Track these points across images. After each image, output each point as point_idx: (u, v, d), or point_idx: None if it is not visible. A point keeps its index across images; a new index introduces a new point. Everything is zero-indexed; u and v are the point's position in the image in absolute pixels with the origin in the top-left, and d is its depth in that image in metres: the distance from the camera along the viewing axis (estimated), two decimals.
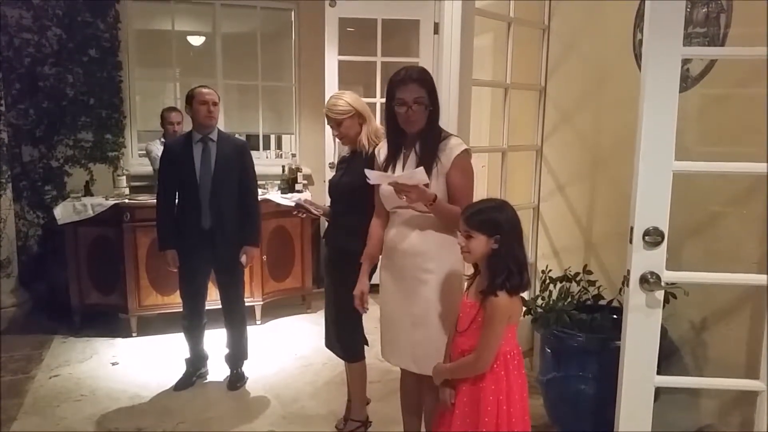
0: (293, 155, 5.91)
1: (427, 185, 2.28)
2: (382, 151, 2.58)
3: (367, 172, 2.37)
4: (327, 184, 4.59)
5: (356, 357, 3.00)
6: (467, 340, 2.09)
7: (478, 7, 3.21)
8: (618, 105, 3.08)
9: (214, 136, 3.55)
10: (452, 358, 2.17)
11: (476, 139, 4.59)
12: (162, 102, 5.72)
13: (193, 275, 3.61)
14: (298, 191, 5.20)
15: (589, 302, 3.02)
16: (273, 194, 4.95)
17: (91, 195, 4.88)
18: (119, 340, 4.46)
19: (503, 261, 2.01)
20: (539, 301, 3.00)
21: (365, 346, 3.02)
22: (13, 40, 4.95)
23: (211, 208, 3.50)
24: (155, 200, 3.65)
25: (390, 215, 2.53)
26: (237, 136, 4.40)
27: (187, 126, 4.09)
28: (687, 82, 2.61)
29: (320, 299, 3.37)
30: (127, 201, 4.49)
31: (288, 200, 4.93)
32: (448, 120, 2.96)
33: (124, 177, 4.91)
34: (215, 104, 3.50)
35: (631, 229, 2.01)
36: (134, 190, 4.94)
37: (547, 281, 3.04)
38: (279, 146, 7.22)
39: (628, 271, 2.03)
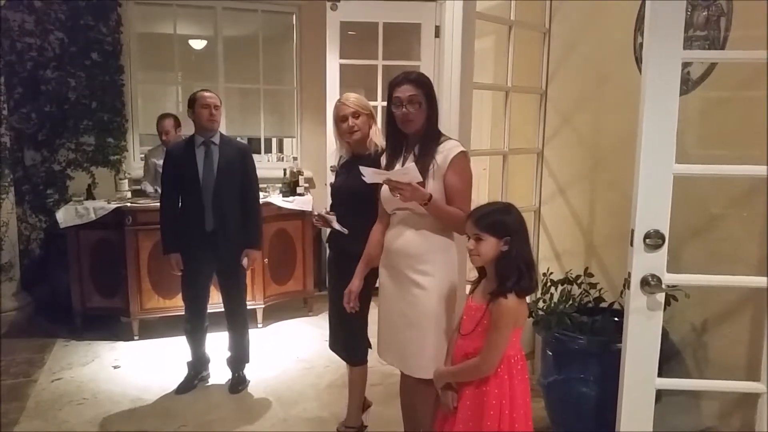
0: (295, 158, 5.92)
1: (422, 184, 2.30)
2: (383, 157, 2.60)
3: (362, 169, 2.38)
4: (328, 187, 4.62)
5: (359, 360, 3.00)
6: (472, 343, 2.09)
7: (479, 11, 3.22)
8: (619, 108, 3.08)
9: (216, 139, 3.56)
10: (455, 361, 2.17)
11: (477, 142, 4.60)
12: (164, 106, 5.73)
13: (195, 278, 3.61)
14: (300, 194, 5.20)
15: (590, 305, 3.02)
16: (274, 197, 4.96)
17: (93, 198, 4.88)
18: (121, 344, 4.47)
19: (513, 263, 2.02)
20: (540, 304, 3.00)
21: (368, 350, 3.02)
22: (15, 44, 4.96)
23: (213, 211, 3.51)
24: (158, 204, 3.66)
25: (390, 218, 2.54)
26: (238, 139, 4.41)
27: (189, 130, 4.10)
28: (687, 85, 2.61)
29: (322, 302, 3.38)
30: (129, 204, 4.50)
31: (290, 203, 4.94)
32: (449, 123, 2.97)
33: (126, 180, 4.91)
34: (217, 108, 3.52)
35: (632, 231, 2.02)
36: (136, 193, 4.95)
37: (549, 284, 3.04)
38: (280, 149, 7.24)
39: (629, 274, 2.04)
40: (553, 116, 3.61)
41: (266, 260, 4.73)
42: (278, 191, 5.16)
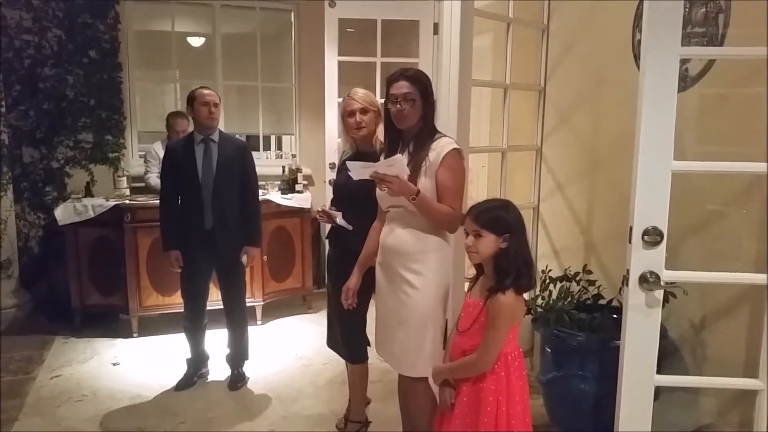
0: (293, 156, 5.92)
1: (414, 181, 2.30)
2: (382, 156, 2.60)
3: (349, 164, 2.38)
4: (327, 184, 4.62)
5: (359, 358, 3.00)
6: (469, 340, 2.10)
7: (478, 8, 3.22)
8: (617, 105, 3.09)
9: (215, 137, 3.56)
10: (452, 358, 2.18)
11: (476, 139, 4.60)
12: (162, 103, 5.73)
13: (194, 275, 3.62)
14: (299, 192, 5.20)
15: (588, 302, 3.02)
16: (273, 195, 4.96)
17: (92, 196, 4.88)
18: (120, 341, 4.47)
19: (512, 260, 2.02)
20: (539, 301, 3.01)
21: (368, 347, 3.02)
22: (13, 41, 4.96)
23: (213, 209, 3.52)
24: (157, 201, 3.66)
25: (385, 215, 2.55)
26: (237, 136, 4.41)
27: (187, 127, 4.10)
28: (686, 81, 2.61)
29: (321, 299, 3.38)
30: (127, 202, 4.50)
31: (288, 201, 4.94)
32: (447, 120, 2.97)
33: (125, 178, 4.92)
34: (216, 105, 3.51)
35: (631, 228, 2.02)
36: (135, 190, 4.95)
37: (547, 281, 3.05)
38: (279, 147, 7.23)
39: (628, 271, 2.04)
40: (552, 113, 3.61)
41: (265, 257, 4.73)
42: (277, 188, 5.16)
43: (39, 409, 3.43)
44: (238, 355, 3.78)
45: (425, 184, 2.35)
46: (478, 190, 4.89)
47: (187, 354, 3.77)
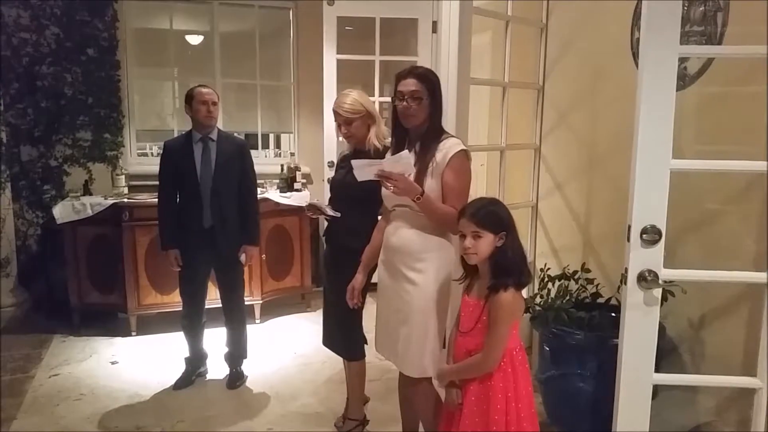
0: (292, 154, 5.91)
1: (420, 182, 2.29)
2: (388, 153, 2.59)
3: (353, 162, 2.36)
4: (326, 182, 4.62)
5: (356, 355, 3.01)
6: (473, 340, 2.10)
7: (476, 6, 3.21)
8: (615, 103, 3.08)
9: (214, 135, 3.55)
10: (457, 359, 2.17)
11: (474, 137, 4.59)
12: (161, 101, 5.73)
13: (193, 274, 3.61)
14: (297, 190, 5.20)
15: (587, 300, 3.03)
16: (272, 193, 4.96)
17: (90, 194, 4.88)
18: (118, 339, 4.47)
19: (511, 257, 2.02)
20: (538, 300, 3.01)
21: (365, 345, 3.03)
22: (11, 39, 4.94)
23: (211, 208, 3.51)
24: (155, 200, 3.65)
25: (390, 214, 2.54)
26: (236, 135, 4.40)
27: (186, 125, 4.09)
28: (684, 80, 2.61)
29: (319, 298, 3.37)
30: (125, 200, 4.50)
31: (287, 199, 4.94)
32: (446, 119, 2.94)
33: (123, 176, 4.91)
34: (215, 104, 3.51)
35: (629, 227, 2.02)
36: (133, 189, 4.94)
37: (546, 279, 3.05)
38: (278, 145, 7.22)
39: (626, 269, 2.04)
40: (550, 112, 3.61)
41: (264, 256, 4.73)
42: (275, 187, 5.16)
43: (37, 407, 3.43)
44: (236, 354, 3.78)
45: (431, 185, 2.33)
46: (476, 189, 4.88)
47: (186, 353, 3.77)
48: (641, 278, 2.01)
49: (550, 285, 3.04)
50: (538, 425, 2.13)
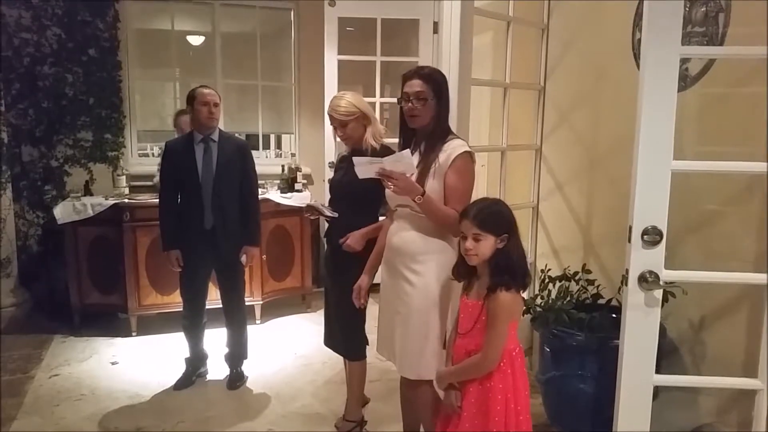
0: (293, 155, 5.91)
1: (422, 183, 2.29)
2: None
3: (355, 160, 2.35)
4: (326, 183, 4.61)
5: (357, 356, 3.00)
6: (472, 341, 2.09)
7: (478, 7, 3.22)
8: (617, 104, 3.08)
9: (215, 136, 3.55)
10: (456, 360, 2.17)
11: (475, 138, 4.59)
12: (162, 102, 5.73)
13: (193, 275, 3.61)
14: (298, 191, 5.20)
15: (588, 301, 3.02)
16: (272, 194, 4.96)
17: (91, 195, 4.89)
18: (119, 340, 4.46)
19: (511, 259, 2.02)
20: (538, 300, 3.00)
21: (366, 345, 3.02)
22: (12, 39, 4.95)
23: (213, 208, 3.51)
24: (156, 200, 3.65)
25: (393, 214, 2.53)
26: (237, 135, 4.40)
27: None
28: (686, 81, 2.61)
29: (320, 298, 3.37)
30: (126, 201, 4.49)
31: (288, 200, 4.94)
32: (448, 119, 2.97)
33: (124, 177, 4.91)
34: (216, 105, 3.50)
35: (630, 228, 2.02)
36: (134, 189, 4.95)
37: (547, 280, 3.05)
38: (278, 146, 7.22)
39: (627, 270, 2.04)
40: (552, 113, 3.61)
41: (264, 257, 4.73)
42: (276, 187, 5.16)
43: (38, 408, 3.43)
44: (237, 355, 3.78)
45: (433, 186, 2.32)
46: (477, 190, 4.88)
47: (186, 353, 3.76)
48: (642, 279, 2.01)
49: (550, 286, 3.03)
50: (531, 427, 2.13)
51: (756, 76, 2.28)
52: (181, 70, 5.84)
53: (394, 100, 2.53)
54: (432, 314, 2.38)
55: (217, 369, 3.84)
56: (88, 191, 4.94)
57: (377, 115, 4.91)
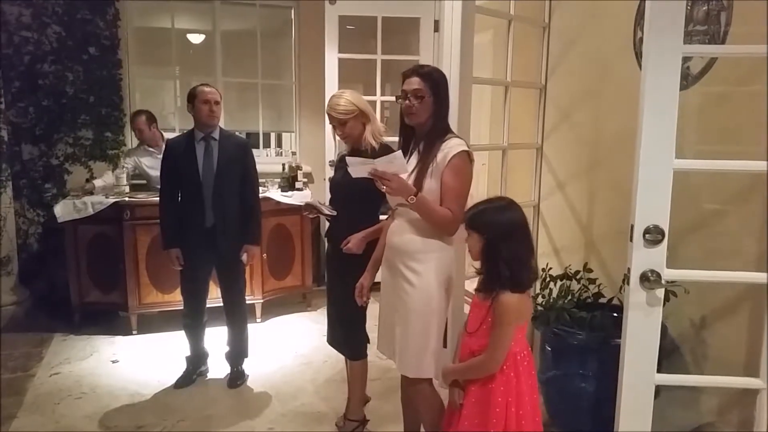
0: (293, 153, 5.91)
1: (419, 183, 2.29)
2: None
3: (348, 160, 2.37)
4: (327, 182, 4.61)
5: (358, 355, 3.00)
6: (478, 341, 2.09)
7: (479, 5, 3.21)
8: (618, 103, 3.08)
9: (216, 134, 3.55)
10: (461, 359, 2.17)
11: (476, 137, 4.60)
12: (162, 100, 5.73)
13: (194, 273, 3.61)
14: (299, 189, 5.20)
15: (589, 300, 3.02)
16: (273, 192, 4.95)
17: (91, 193, 4.87)
18: (119, 338, 4.46)
19: (492, 260, 2.02)
20: (539, 299, 3.00)
21: (367, 344, 3.02)
22: (12, 37, 4.94)
23: (213, 207, 3.51)
24: (156, 198, 3.65)
25: (394, 212, 2.53)
26: (237, 134, 4.40)
27: (187, 124, 4.08)
28: (687, 80, 2.61)
29: (320, 297, 3.37)
30: (127, 199, 4.49)
31: (288, 198, 4.93)
32: (448, 118, 2.96)
33: (124, 175, 4.90)
34: (217, 103, 3.49)
35: (632, 227, 2.01)
36: (134, 188, 4.94)
37: (548, 279, 3.04)
38: (279, 144, 7.22)
39: (629, 269, 2.03)
40: (553, 111, 3.61)
41: (265, 255, 4.72)
42: (277, 186, 5.15)
43: (38, 406, 3.42)
44: (237, 353, 3.78)
45: (430, 185, 2.32)
46: (478, 189, 4.89)
47: (187, 352, 3.76)
48: (644, 278, 2.00)
49: (552, 285, 3.03)
50: (541, 427, 2.12)
51: (757, 74, 2.28)
52: (181, 69, 5.83)
53: (395, 98, 2.52)
54: (431, 313, 2.38)
55: (217, 367, 3.84)
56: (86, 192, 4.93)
57: (377, 113, 4.91)
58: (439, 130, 2.40)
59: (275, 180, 5.23)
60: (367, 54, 5.21)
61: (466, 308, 2.52)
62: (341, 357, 3.14)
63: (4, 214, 4.75)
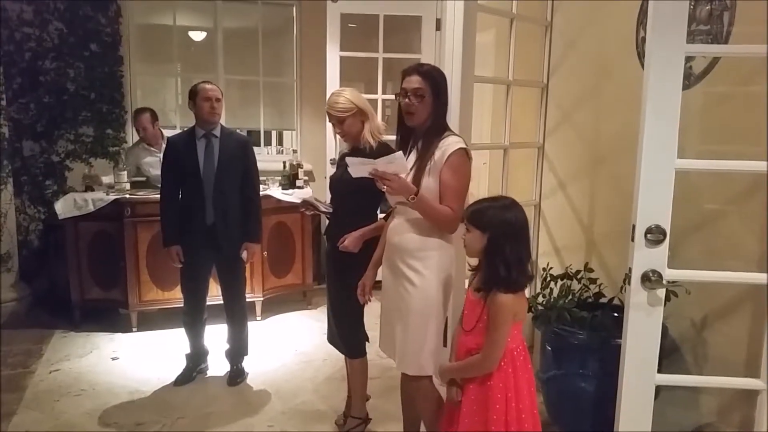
0: (294, 151, 5.91)
1: (418, 181, 2.29)
2: None
3: (348, 160, 2.37)
4: (328, 180, 4.61)
5: (357, 353, 3.00)
6: (474, 339, 2.09)
7: (481, 4, 3.21)
8: (620, 102, 3.07)
9: (217, 132, 3.54)
10: (458, 357, 2.17)
11: (478, 136, 4.59)
12: (164, 97, 5.73)
13: (194, 271, 3.61)
14: (299, 187, 5.19)
15: (590, 300, 3.01)
16: (274, 190, 4.94)
17: (92, 190, 4.87)
18: (119, 335, 4.46)
19: (494, 258, 2.01)
20: (540, 299, 3.00)
21: (366, 343, 3.02)
22: (14, 34, 4.94)
23: (214, 204, 3.50)
24: (157, 196, 3.65)
25: (394, 211, 2.53)
26: (238, 131, 4.39)
27: (188, 121, 4.08)
28: (690, 79, 2.60)
29: (321, 295, 3.37)
30: (127, 196, 4.48)
31: (289, 196, 4.93)
32: (449, 117, 2.94)
33: (125, 172, 4.89)
34: (218, 100, 3.49)
35: (633, 227, 2.01)
36: (135, 185, 4.94)
37: (548, 279, 3.04)
38: (280, 142, 7.22)
39: (630, 269, 2.03)
40: (554, 110, 3.60)
41: (265, 253, 4.72)
42: (278, 184, 5.14)
43: (38, 403, 3.42)
44: (237, 351, 3.78)
45: (429, 183, 2.32)
46: (479, 188, 4.89)
47: (187, 349, 3.76)
48: (645, 278, 2.00)
49: (552, 284, 3.03)
50: (539, 425, 2.12)
51: (760, 75, 2.27)
52: (182, 66, 5.83)
53: (394, 96, 2.51)
54: (432, 312, 2.38)
55: (217, 365, 3.84)
56: (89, 186, 4.93)
57: (379, 112, 4.91)
58: (437, 128, 2.40)
59: (276, 178, 5.22)
60: (369, 52, 5.20)
61: None
62: (341, 355, 3.13)
63: (4, 211, 4.76)
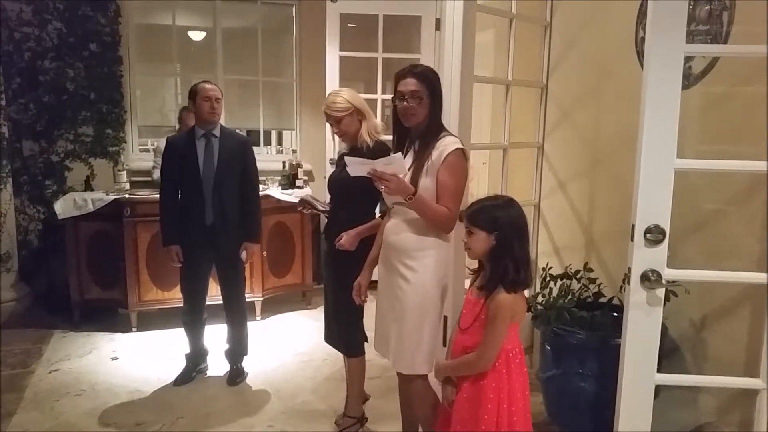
0: (294, 151, 5.91)
1: (416, 181, 2.29)
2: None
3: (347, 159, 2.37)
4: (327, 180, 4.61)
5: (355, 352, 3.01)
6: (470, 338, 2.09)
7: (480, 4, 3.20)
8: (619, 102, 3.07)
9: (216, 131, 3.54)
10: (454, 355, 2.17)
11: (477, 135, 4.59)
12: (163, 97, 5.72)
13: (194, 271, 3.61)
14: (299, 187, 5.19)
15: (589, 300, 3.01)
16: (273, 190, 4.95)
17: (92, 190, 4.88)
18: (119, 335, 4.46)
19: (502, 258, 2.01)
20: (540, 299, 3.00)
21: (365, 342, 3.02)
22: (13, 34, 4.94)
23: (213, 204, 3.50)
24: (157, 195, 3.65)
25: (390, 211, 2.53)
26: (238, 131, 4.39)
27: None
28: (689, 79, 2.60)
29: (320, 295, 3.37)
30: (127, 196, 4.49)
31: (288, 196, 4.93)
32: (449, 117, 2.96)
33: (125, 172, 4.89)
34: (218, 100, 3.49)
35: (633, 226, 2.01)
36: (134, 185, 4.94)
37: (548, 278, 3.04)
38: (279, 142, 7.22)
39: (629, 269, 2.03)
40: (554, 110, 3.60)
41: (265, 253, 4.72)
42: (277, 184, 5.15)
43: (37, 403, 3.42)
44: (237, 351, 3.78)
45: (426, 183, 2.32)
46: (478, 187, 4.88)
47: (186, 349, 3.76)
48: (644, 278, 2.00)
49: (552, 284, 3.03)
50: (531, 427, 2.12)
51: (759, 75, 2.27)
52: (182, 66, 5.83)
53: (390, 99, 2.52)
54: (428, 311, 2.38)
55: (217, 365, 3.84)
56: (88, 186, 4.94)
57: (378, 111, 4.91)
58: (434, 128, 2.41)
59: (275, 178, 5.23)
60: (368, 52, 5.21)
61: None
62: (341, 355, 3.14)
63: (4, 211, 4.75)
